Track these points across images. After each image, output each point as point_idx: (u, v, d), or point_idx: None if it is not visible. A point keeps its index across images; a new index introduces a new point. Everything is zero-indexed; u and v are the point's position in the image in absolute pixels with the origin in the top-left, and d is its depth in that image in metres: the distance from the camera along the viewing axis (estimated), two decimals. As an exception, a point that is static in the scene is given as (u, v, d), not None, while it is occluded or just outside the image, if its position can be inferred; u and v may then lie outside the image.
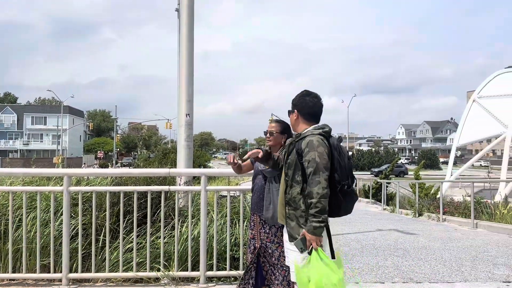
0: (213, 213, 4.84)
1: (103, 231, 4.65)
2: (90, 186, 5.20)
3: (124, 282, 4.44)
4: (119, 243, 4.59)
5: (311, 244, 2.61)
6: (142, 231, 4.74)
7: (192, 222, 4.78)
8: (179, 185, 5.35)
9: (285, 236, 2.90)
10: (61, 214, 4.59)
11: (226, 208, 4.99)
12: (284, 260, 3.14)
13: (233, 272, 4.46)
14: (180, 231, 4.60)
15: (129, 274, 4.40)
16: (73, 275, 4.37)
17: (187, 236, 4.67)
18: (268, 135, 3.51)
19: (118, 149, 67.60)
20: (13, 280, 4.44)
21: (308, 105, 2.94)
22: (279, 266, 3.28)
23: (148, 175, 5.14)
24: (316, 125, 2.90)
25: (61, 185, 4.45)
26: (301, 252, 2.65)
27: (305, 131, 2.85)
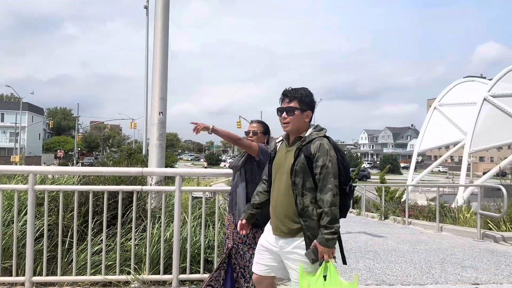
0: (186, 214, 4.71)
1: (69, 232, 4.43)
2: (57, 185, 4.93)
3: (91, 286, 4.23)
4: (86, 245, 4.38)
5: (323, 256, 2.47)
6: (110, 232, 4.55)
7: (164, 223, 4.63)
8: (151, 185, 5.18)
9: (291, 249, 2.62)
10: (25, 214, 4.34)
11: (199, 209, 4.88)
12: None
13: (207, 275, 4.33)
14: (151, 233, 4.44)
15: (98, 278, 4.19)
16: (37, 279, 4.11)
17: (159, 238, 4.52)
18: (251, 134, 3.44)
19: (79, 149, 65.58)
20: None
21: (315, 107, 2.78)
22: (250, 268, 3.20)
23: (120, 174, 4.94)
24: (315, 127, 2.72)
25: (26, 184, 4.20)
26: (313, 263, 2.50)
27: (308, 134, 2.66)
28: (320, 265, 2.48)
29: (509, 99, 22.49)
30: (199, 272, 4.34)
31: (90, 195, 4.26)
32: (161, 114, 5.51)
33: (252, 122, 3.67)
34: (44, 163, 55.65)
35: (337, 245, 2.59)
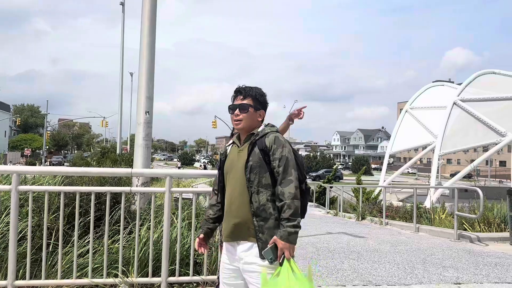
0: (175, 216, 4.65)
1: (53, 234, 4.30)
2: (38, 185, 4.78)
3: (77, 290, 4.10)
4: (70, 247, 4.27)
5: (283, 253, 2.25)
6: (96, 234, 4.43)
7: (149, 225, 4.56)
8: (137, 186, 5.09)
9: (248, 258, 2.38)
10: (5, 216, 4.18)
11: (185, 211, 4.82)
12: None
13: (197, 278, 4.29)
14: (139, 235, 4.35)
15: (84, 281, 4.07)
16: (19, 282, 3.96)
17: (147, 240, 4.44)
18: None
19: (47, 147, 63.77)
20: None
21: (267, 107, 2.67)
22: None
23: (109, 175, 4.83)
24: (266, 124, 2.61)
25: (8, 184, 4.04)
26: (271, 263, 2.27)
27: (261, 129, 2.54)
28: (280, 265, 2.24)
29: (477, 103, 23.27)
30: (188, 275, 4.28)
31: (77, 196, 4.14)
32: (147, 113, 5.42)
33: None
34: (10, 161, 53.77)
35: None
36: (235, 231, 2.44)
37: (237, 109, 2.53)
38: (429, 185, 21.14)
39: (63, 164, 55.46)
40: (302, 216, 2.49)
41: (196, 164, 70.03)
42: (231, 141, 2.67)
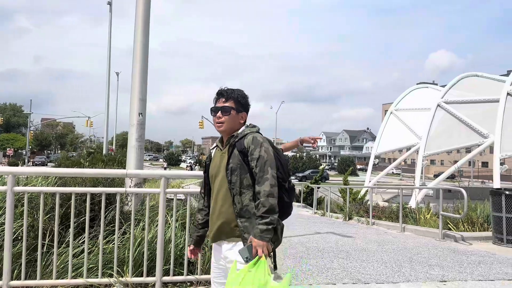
0: (169, 216, 4.72)
1: (47, 235, 4.33)
2: (31, 186, 4.79)
3: (72, 290, 4.14)
4: (65, 248, 4.30)
5: (257, 252, 2.25)
6: (90, 235, 4.47)
7: (143, 226, 4.62)
8: (130, 187, 5.13)
9: (232, 257, 2.41)
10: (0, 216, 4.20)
11: (179, 211, 4.89)
12: None
13: (191, 277, 4.36)
14: (130, 235, 4.40)
15: (79, 281, 4.12)
16: (15, 283, 3.98)
17: (141, 240, 4.50)
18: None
19: (30, 147, 62.84)
20: None
21: (249, 110, 2.70)
22: None
23: (105, 176, 4.87)
24: (247, 125, 2.63)
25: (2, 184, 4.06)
26: (246, 262, 2.24)
27: (241, 131, 2.56)
28: (254, 264, 2.21)
29: (460, 105, 23.74)
30: (182, 274, 4.36)
31: (72, 197, 4.18)
32: (140, 115, 5.47)
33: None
34: (-7, 161, 52.86)
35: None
36: (220, 232, 2.48)
37: (219, 111, 2.55)
38: (414, 185, 21.46)
39: (46, 165, 54.69)
40: (287, 215, 2.53)
41: (183, 165, 69.71)
42: (214, 144, 2.69)
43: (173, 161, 75.28)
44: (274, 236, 2.37)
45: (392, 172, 68.55)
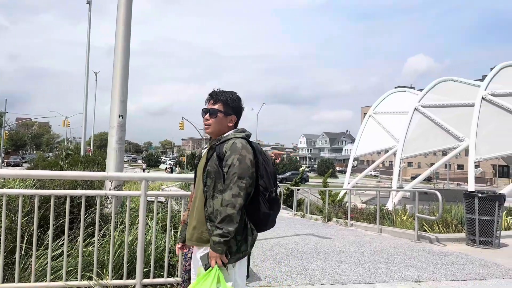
0: (149, 218, 4.73)
1: (24, 238, 4.28)
2: (9, 188, 4.73)
3: (50, 293, 4.10)
4: (43, 251, 4.28)
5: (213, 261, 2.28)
6: (68, 238, 4.44)
7: (123, 228, 4.62)
8: (110, 189, 5.11)
9: (198, 257, 2.45)
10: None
11: (159, 213, 4.90)
12: None
13: (171, 279, 4.39)
14: (110, 238, 4.40)
15: (58, 284, 4.09)
16: (-9, 287, 3.94)
17: (121, 243, 4.50)
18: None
19: (4, 147, 61.32)
20: None
21: (242, 112, 2.67)
22: None
23: (85, 179, 4.84)
24: (236, 129, 2.60)
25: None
26: (205, 269, 2.31)
27: (226, 134, 2.53)
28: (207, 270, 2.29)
29: (437, 109, 24.29)
30: (162, 276, 4.37)
31: (52, 199, 4.15)
32: (121, 117, 5.45)
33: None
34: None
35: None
36: (193, 234, 2.49)
37: (207, 113, 2.57)
38: (391, 187, 21.80)
39: (21, 165, 53.45)
40: (266, 225, 2.50)
41: (162, 166, 69.11)
42: (207, 145, 2.67)
43: (153, 162, 74.56)
44: (237, 247, 2.33)
45: (371, 174, 69.48)
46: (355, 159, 32.23)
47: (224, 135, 2.54)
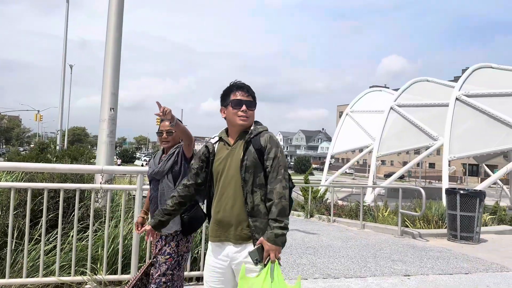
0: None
1: (15, 232, 4.15)
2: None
3: (42, 289, 4.00)
4: (34, 245, 4.16)
5: (269, 255, 2.21)
6: (55, 234, 4.33)
7: (116, 223, 4.56)
8: (100, 183, 5.01)
9: (242, 258, 2.31)
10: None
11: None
12: (172, 276, 2.91)
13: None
14: (105, 233, 4.32)
15: (51, 279, 3.99)
16: (-19, 283, 3.81)
17: (114, 238, 4.42)
18: (165, 135, 3.14)
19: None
20: None
21: None
22: (161, 284, 2.91)
23: (80, 172, 4.73)
24: (257, 121, 2.55)
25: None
26: (256, 264, 2.21)
27: (256, 127, 2.47)
28: (265, 266, 2.21)
29: (412, 108, 24.84)
30: (158, 271, 4.33)
31: (45, 193, 4.05)
32: (112, 110, 5.35)
33: (163, 120, 3.18)
34: None
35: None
36: (227, 231, 2.36)
37: (247, 105, 2.45)
38: (373, 184, 22.14)
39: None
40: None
41: (138, 162, 68.17)
42: (216, 138, 2.55)
43: (127, 158, 73.44)
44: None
45: (346, 171, 70.60)
46: (332, 157, 32.62)
47: (252, 127, 2.47)
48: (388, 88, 53.11)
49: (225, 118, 2.51)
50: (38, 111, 51.27)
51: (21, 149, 46.07)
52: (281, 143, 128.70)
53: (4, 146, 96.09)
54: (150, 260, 3.06)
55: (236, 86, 2.50)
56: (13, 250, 4.08)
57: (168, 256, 2.93)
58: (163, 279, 2.91)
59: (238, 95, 2.46)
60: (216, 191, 2.45)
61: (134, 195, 4.72)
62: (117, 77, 5.44)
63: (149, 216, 3.23)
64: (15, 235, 4.07)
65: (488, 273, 5.58)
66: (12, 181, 4.93)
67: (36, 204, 4.56)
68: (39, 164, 4.28)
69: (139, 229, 3.12)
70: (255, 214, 2.30)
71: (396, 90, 29.09)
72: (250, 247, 2.28)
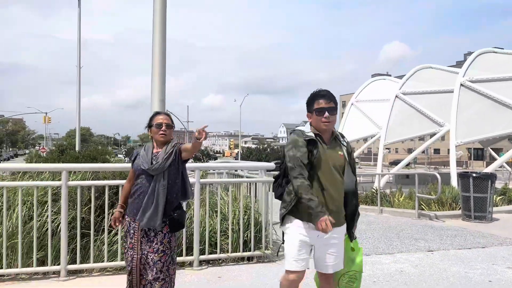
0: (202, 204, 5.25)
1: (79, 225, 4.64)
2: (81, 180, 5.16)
3: (120, 271, 4.62)
4: (97, 236, 4.70)
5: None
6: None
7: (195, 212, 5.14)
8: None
9: (341, 235, 2.97)
10: (45, 210, 4.59)
11: (211, 199, 5.39)
12: (168, 271, 3.05)
13: (223, 255, 4.98)
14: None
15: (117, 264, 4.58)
16: (71, 267, 4.45)
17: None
18: (164, 128, 3.15)
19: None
20: (4, 275, 4.35)
21: None
22: (159, 281, 3.01)
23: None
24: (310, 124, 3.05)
25: (59, 180, 4.52)
26: (352, 240, 3.12)
27: (337, 130, 2.99)
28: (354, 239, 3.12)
29: (417, 96, 25.29)
30: (215, 253, 4.97)
31: (106, 189, 4.63)
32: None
33: (159, 113, 3.30)
34: None
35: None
36: (340, 219, 2.88)
37: (329, 111, 2.86)
38: (377, 172, 22.62)
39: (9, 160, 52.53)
40: None
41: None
42: (311, 134, 2.89)
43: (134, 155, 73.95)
44: None
45: (351, 160, 71.08)
46: (339, 147, 33.07)
47: (334, 130, 2.97)
48: (390, 75, 53.45)
49: (310, 123, 3.00)
50: (46, 113, 51.94)
51: (27, 151, 46.64)
52: (284, 135, 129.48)
53: (10, 149, 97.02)
54: (139, 257, 3.06)
55: (319, 95, 2.92)
56: (82, 240, 4.60)
57: (162, 254, 3.02)
58: (161, 276, 3.02)
59: (321, 103, 2.89)
60: (326, 182, 2.88)
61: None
62: (164, 84, 5.98)
63: (129, 211, 3.15)
64: (91, 227, 4.64)
65: (502, 247, 6.19)
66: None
67: (98, 199, 5.11)
68: (97, 165, 4.84)
69: (116, 224, 3.22)
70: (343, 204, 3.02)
71: (399, 77, 29.45)
72: (344, 226, 3.04)
